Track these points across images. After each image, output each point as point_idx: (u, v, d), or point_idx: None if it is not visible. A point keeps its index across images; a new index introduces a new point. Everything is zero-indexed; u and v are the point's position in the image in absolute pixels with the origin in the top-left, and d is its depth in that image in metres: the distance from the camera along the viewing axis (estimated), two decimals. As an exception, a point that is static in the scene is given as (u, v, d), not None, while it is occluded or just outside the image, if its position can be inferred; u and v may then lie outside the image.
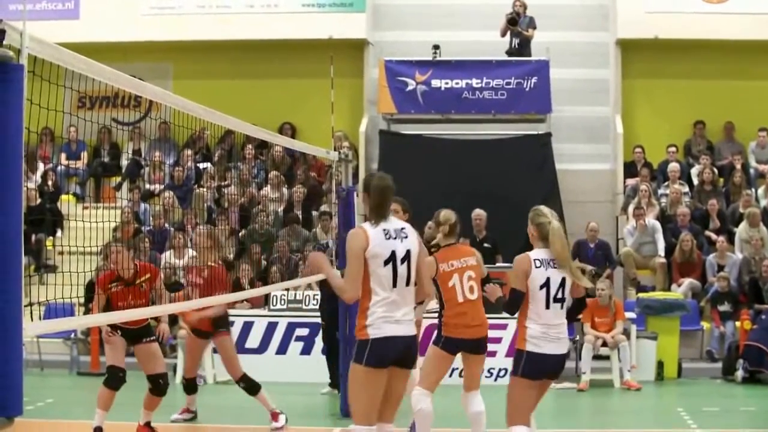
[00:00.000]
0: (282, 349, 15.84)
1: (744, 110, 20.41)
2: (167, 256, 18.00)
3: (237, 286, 15.96)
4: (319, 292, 15.20)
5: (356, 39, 21.08)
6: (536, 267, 7.62)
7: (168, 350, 15.90)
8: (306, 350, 15.72)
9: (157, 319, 10.96)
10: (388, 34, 21.52)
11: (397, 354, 6.95)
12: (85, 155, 21.30)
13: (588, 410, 14.09)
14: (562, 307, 7.68)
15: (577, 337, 15.83)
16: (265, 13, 21.12)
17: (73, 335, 17.11)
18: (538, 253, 7.70)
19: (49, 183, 20.17)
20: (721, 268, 17.78)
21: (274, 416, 11.32)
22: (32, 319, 6.20)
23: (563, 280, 7.65)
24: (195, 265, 11.70)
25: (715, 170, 19.79)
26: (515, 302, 7.66)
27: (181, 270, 16.85)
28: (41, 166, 20.67)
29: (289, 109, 21.11)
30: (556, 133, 19.73)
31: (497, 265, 16.40)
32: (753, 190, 19.45)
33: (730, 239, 18.30)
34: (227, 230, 18.26)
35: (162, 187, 20.33)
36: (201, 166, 20.62)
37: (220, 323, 11.46)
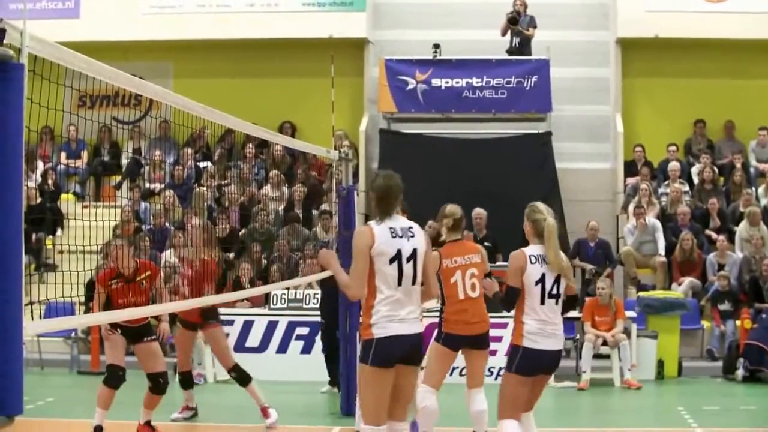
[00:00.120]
0: (282, 348, 15.85)
1: (744, 109, 20.41)
2: (167, 255, 17.99)
3: (237, 285, 15.96)
4: (319, 291, 15.20)
5: (356, 38, 21.07)
6: (531, 263, 7.66)
7: (168, 349, 15.88)
8: (306, 349, 15.72)
9: (157, 318, 10.96)
10: (389, 33, 21.51)
11: (403, 353, 6.95)
12: (85, 154, 21.30)
13: (588, 409, 14.09)
14: (557, 303, 7.70)
15: (578, 336, 15.84)
16: (265, 12, 21.11)
17: (73, 334, 17.13)
18: (533, 249, 7.74)
19: (50, 182, 20.16)
20: (721, 267, 17.78)
21: (264, 411, 11.30)
22: (32, 318, 6.19)
23: (558, 276, 7.68)
24: (186, 257, 11.70)
25: (716, 169, 19.77)
26: (511, 298, 7.70)
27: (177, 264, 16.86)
28: (41, 165, 20.67)
29: (289, 108, 21.10)
30: (557, 132, 19.72)
31: (498, 264, 16.35)
32: (753, 189, 19.44)
33: (731, 238, 18.29)
34: (227, 229, 18.25)
35: (162, 186, 20.31)
36: (201, 165, 20.60)
37: (209, 314, 11.43)
